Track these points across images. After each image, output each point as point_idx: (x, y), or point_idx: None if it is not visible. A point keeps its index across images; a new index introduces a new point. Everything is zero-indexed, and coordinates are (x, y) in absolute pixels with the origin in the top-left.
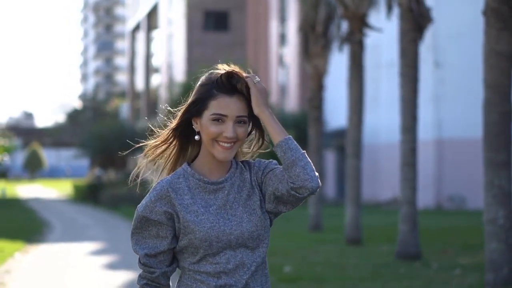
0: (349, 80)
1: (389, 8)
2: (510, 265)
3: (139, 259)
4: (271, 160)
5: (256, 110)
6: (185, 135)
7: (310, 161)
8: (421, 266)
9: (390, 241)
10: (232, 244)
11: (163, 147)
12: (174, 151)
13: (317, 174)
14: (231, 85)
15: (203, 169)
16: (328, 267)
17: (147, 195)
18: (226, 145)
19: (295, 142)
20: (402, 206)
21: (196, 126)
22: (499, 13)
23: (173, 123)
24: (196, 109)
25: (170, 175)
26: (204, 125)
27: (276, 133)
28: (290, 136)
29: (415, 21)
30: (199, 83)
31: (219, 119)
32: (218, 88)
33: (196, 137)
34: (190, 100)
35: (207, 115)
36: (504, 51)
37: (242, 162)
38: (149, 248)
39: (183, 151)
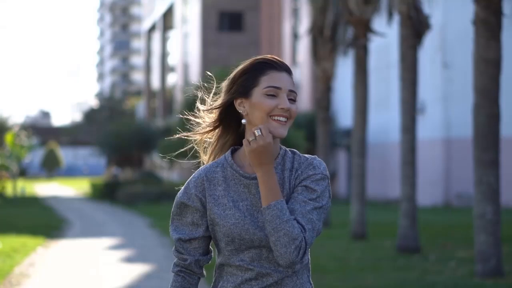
0: (354, 82)
1: (390, 15)
2: (498, 256)
3: (174, 246)
4: (318, 165)
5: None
6: (227, 121)
7: (289, 231)
8: (419, 259)
9: (394, 236)
10: (255, 244)
11: (210, 131)
12: (217, 135)
13: (294, 246)
14: (279, 63)
15: (244, 159)
16: (332, 260)
17: (187, 181)
18: (281, 119)
19: (275, 211)
20: (402, 202)
21: (243, 109)
22: (487, 23)
23: (218, 102)
24: (244, 87)
25: (210, 163)
26: (257, 102)
27: (262, 196)
28: (272, 203)
29: (414, 28)
30: (241, 67)
31: (273, 93)
32: (267, 66)
33: (243, 121)
34: (237, 78)
35: (258, 91)
36: (492, 58)
37: (293, 154)
38: (184, 233)
39: (224, 137)
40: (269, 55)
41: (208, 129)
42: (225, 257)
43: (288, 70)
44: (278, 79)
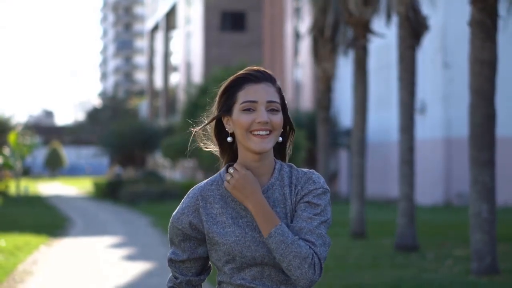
0: (354, 83)
1: (389, 16)
2: (493, 254)
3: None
4: (318, 179)
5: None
6: (221, 138)
7: (297, 252)
8: (417, 257)
9: (393, 235)
10: (257, 261)
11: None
12: (220, 151)
13: (307, 264)
14: (257, 74)
15: None
16: (331, 258)
17: (182, 201)
18: (261, 133)
19: (277, 237)
20: (400, 201)
21: (229, 127)
22: (483, 25)
23: (207, 121)
24: (226, 105)
25: (205, 181)
26: (236, 119)
27: (260, 227)
28: (272, 231)
29: (413, 29)
30: (223, 85)
31: (249, 107)
32: (244, 80)
33: (229, 139)
34: (220, 96)
35: (237, 108)
36: (488, 59)
37: (290, 169)
38: (174, 254)
39: (222, 154)
40: (252, 67)
41: (216, 146)
42: (226, 276)
43: (268, 80)
44: (253, 92)
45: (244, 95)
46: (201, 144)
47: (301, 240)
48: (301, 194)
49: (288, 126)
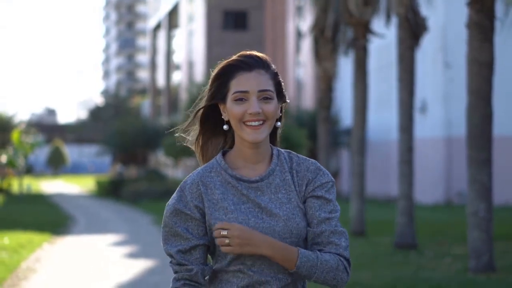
0: (354, 82)
1: (388, 17)
2: (490, 252)
3: (171, 259)
4: (325, 170)
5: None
6: (212, 124)
7: (327, 267)
8: (415, 255)
9: (392, 233)
10: None
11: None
12: (200, 138)
13: (340, 272)
14: (249, 61)
15: (237, 162)
16: None
17: (177, 189)
18: (254, 123)
19: (305, 264)
20: (399, 200)
21: (225, 115)
22: (481, 26)
23: (199, 106)
24: (220, 93)
25: (201, 168)
26: (229, 109)
27: (284, 265)
28: (297, 263)
29: (412, 30)
30: (214, 72)
31: (241, 98)
32: (236, 68)
33: (225, 127)
34: (212, 83)
35: (230, 97)
36: (486, 60)
37: (288, 154)
38: (181, 244)
39: (211, 141)
40: (245, 52)
41: (196, 136)
42: (225, 263)
43: (261, 66)
44: (245, 82)
45: (236, 84)
46: (186, 138)
47: (323, 254)
48: (314, 186)
49: (283, 104)
